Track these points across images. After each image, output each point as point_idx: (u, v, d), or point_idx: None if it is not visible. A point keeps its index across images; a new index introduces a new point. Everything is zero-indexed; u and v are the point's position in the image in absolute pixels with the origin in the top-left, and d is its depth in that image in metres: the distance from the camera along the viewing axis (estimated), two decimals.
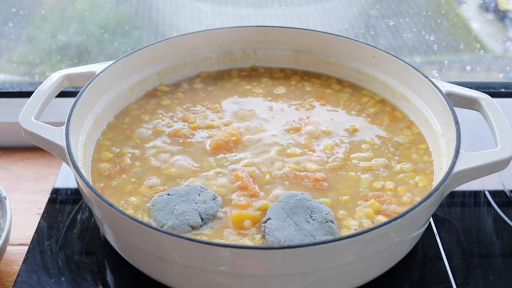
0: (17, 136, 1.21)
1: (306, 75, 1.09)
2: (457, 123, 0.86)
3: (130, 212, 0.83)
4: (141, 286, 0.84)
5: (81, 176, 0.79)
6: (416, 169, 0.90)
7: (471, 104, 0.92)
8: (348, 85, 1.06)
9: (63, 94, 0.99)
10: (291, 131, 0.97)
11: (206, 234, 0.81)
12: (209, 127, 0.97)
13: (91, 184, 0.80)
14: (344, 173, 0.89)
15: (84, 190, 0.80)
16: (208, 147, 0.94)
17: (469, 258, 0.89)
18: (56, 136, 0.85)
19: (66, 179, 1.01)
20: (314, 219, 0.80)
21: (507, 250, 0.91)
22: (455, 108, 0.89)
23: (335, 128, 0.97)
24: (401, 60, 1.00)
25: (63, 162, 0.93)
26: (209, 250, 0.72)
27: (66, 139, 0.84)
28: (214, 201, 0.83)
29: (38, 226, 0.93)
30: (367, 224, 0.82)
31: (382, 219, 0.82)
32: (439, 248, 0.89)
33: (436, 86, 0.93)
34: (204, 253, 0.72)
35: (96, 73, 0.96)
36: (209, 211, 0.82)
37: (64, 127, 0.86)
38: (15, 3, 1.48)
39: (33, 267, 0.86)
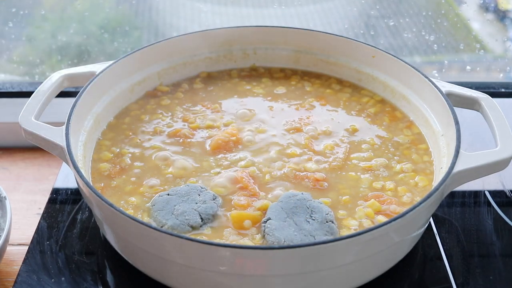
0: (17, 136, 1.21)
1: (306, 75, 1.09)
2: (457, 123, 0.86)
3: (130, 212, 0.83)
4: (141, 286, 0.84)
5: (81, 176, 0.79)
6: (416, 169, 0.90)
7: (471, 104, 0.92)
8: (348, 85, 1.06)
9: (63, 94, 0.99)
10: (291, 131, 0.97)
11: (206, 234, 0.81)
12: (209, 127, 0.97)
13: (91, 184, 0.80)
14: (344, 173, 0.89)
15: (84, 190, 0.80)
16: (208, 147, 0.94)
17: (469, 258, 0.89)
18: (56, 136, 0.85)
19: (66, 179, 1.01)
20: (314, 219, 0.80)
21: (507, 250, 0.91)
22: (455, 108, 0.89)
23: (335, 128, 0.97)
24: (401, 60, 1.00)
25: (63, 162, 0.93)
26: (209, 250, 0.72)
27: (66, 139, 0.84)
28: (214, 201, 0.83)
29: (38, 226, 0.93)
30: (367, 224, 0.82)
31: (382, 219, 0.82)
32: (439, 248, 0.89)
33: (436, 86, 0.93)
34: (204, 253, 0.72)
35: (96, 73, 0.96)
36: (209, 211, 0.82)
37: (64, 127, 0.86)
38: (15, 3, 1.48)
39: (33, 267, 0.86)
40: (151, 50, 1.03)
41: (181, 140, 0.95)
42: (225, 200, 0.85)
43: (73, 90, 1.17)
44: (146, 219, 0.82)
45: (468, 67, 1.49)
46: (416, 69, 0.97)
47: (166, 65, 1.06)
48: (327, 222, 0.80)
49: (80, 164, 0.84)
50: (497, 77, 1.52)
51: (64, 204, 0.97)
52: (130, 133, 0.96)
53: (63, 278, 0.85)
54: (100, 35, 1.52)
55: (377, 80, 1.04)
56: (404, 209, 0.81)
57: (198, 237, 0.79)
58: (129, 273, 0.85)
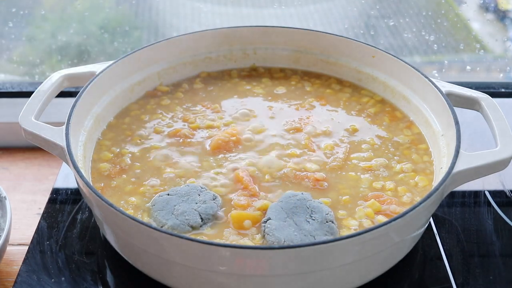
0: (17, 136, 1.21)
1: (306, 75, 1.09)
2: (457, 123, 0.86)
3: (130, 212, 0.83)
4: (141, 286, 0.84)
5: (81, 176, 0.79)
6: (416, 169, 0.90)
7: (471, 104, 0.92)
8: (348, 85, 1.06)
9: (63, 94, 0.99)
10: (291, 131, 0.97)
11: (206, 234, 0.81)
12: (209, 127, 0.97)
13: (91, 184, 0.80)
14: (344, 173, 0.89)
15: (84, 190, 0.80)
16: (208, 147, 0.94)
17: (469, 258, 0.89)
18: (56, 136, 0.85)
19: (66, 179, 1.01)
20: (314, 219, 0.80)
21: (507, 250, 0.91)
22: (455, 108, 0.89)
23: (335, 128, 0.97)
24: (401, 60, 1.00)
25: (63, 162, 0.93)
26: (209, 250, 0.72)
27: (66, 139, 0.84)
28: (214, 201, 0.83)
29: (38, 226, 0.93)
30: (367, 224, 0.82)
31: (382, 219, 0.82)
32: (439, 248, 0.89)
33: (436, 86, 0.93)
34: (204, 253, 0.72)
35: (96, 73, 0.96)
36: (209, 211, 0.82)
37: (64, 127, 0.86)
38: (15, 3, 1.48)
39: (33, 267, 0.86)
40: (151, 50, 1.03)
41: (181, 140, 0.95)
42: (225, 200, 0.85)
43: (73, 90, 1.17)
44: (146, 219, 0.82)
45: (468, 67, 1.49)
46: (416, 69, 0.97)
47: (166, 65, 1.06)
48: (327, 222, 0.80)
49: (80, 164, 0.84)
50: (497, 77, 1.52)
51: (64, 204, 0.97)
52: (130, 133, 0.96)
53: (63, 278, 0.85)
54: (100, 35, 1.52)
55: (377, 80, 1.04)
56: (404, 209, 0.81)
57: (198, 237, 0.79)
58: (129, 273, 0.85)
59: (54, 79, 0.94)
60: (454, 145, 0.83)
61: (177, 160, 0.91)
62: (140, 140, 0.95)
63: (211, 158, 0.92)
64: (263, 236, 0.79)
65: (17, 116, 0.88)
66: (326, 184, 0.87)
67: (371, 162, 0.91)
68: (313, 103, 1.03)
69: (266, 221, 0.80)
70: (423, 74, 0.96)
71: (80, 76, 0.97)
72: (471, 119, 1.04)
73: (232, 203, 0.84)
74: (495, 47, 1.54)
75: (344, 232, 0.80)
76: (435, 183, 0.87)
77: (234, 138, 0.94)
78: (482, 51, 1.53)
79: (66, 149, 0.83)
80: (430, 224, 0.93)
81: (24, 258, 0.88)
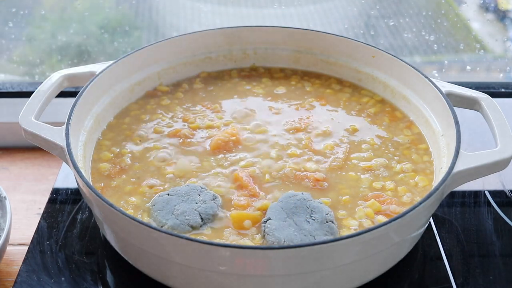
0: (17, 136, 1.21)
1: (306, 75, 1.09)
2: (457, 123, 0.86)
3: (130, 212, 0.83)
4: (141, 286, 0.84)
5: (81, 176, 0.79)
6: (416, 169, 0.90)
7: (471, 104, 0.92)
8: (348, 85, 1.06)
9: (63, 94, 0.99)
10: (291, 131, 0.97)
11: (206, 234, 0.81)
12: (209, 127, 0.97)
13: (91, 184, 0.80)
14: (344, 173, 0.89)
15: (84, 190, 0.80)
16: (208, 147, 0.94)
17: (469, 258, 0.89)
18: (56, 136, 0.85)
19: (66, 179, 1.01)
20: (314, 219, 0.80)
21: (507, 250, 0.91)
22: (455, 108, 0.89)
23: (335, 128, 0.97)
24: (401, 60, 1.00)
25: (63, 162, 0.93)
26: (209, 250, 0.72)
27: (66, 139, 0.84)
28: (214, 201, 0.83)
29: (38, 226, 0.93)
30: (367, 224, 0.82)
31: (382, 219, 0.82)
32: (439, 248, 0.89)
33: (436, 86, 0.93)
34: (204, 253, 0.72)
35: (96, 73, 0.96)
36: (209, 211, 0.82)
37: (64, 127, 0.86)
38: (15, 3, 1.48)
39: (33, 267, 0.86)
40: (151, 50, 1.03)
41: (181, 140, 0.95)
42: (225, 200, 0.85)
43: (73, 90, 1.17)
44: (146, 219, 0.82)
45: (468, 67, 1.49)
46: (416, 69, 0.97)
47: (166, 65, 1.06)
48: (327, 222, 0.80)
49: (80, 164, 0.84)
50: (497, 77, 1.52)
51: (64, 204, 0.97)
52: (130, 133, 0.96)
53: (63, 278, 0.85)
54: (100, 35, 1.52)
55: (377, 80, 1.04)
56: (404, 209, 0.81)
57: (198, 237, 0.79)
58: (129, 273, 0.85)
59: (54, 79, 0.94)
60: (454, 145, 0.83)
61: (177, 160, 0.91)
62: (140, 140, 0.95)
63: (211, 158, 0.92)
64: (263, 236, 0.79)
65: (17, 116, 0.88)
66: (326, 184, 0.87)
67: (371, 162, 0.91)
68: (313, 103, 1.03)
69: (266, 221, 0.80)
70: (423, 74, 0.96)
71: (80, 76, 0.97)
72: (471, 119, 1.04)
73: (232, 203, 0.84)
74: (495, 47, 1.54)
75: (344, 232, 0.80)
76: (435, 183, 0.87)
77: (234, 138, 0.94)
78: (482, 51, 1.53)
79: (66, 149, 0.83)
80: (430, 224, 0.93)
81: (24, 258, 0.88)
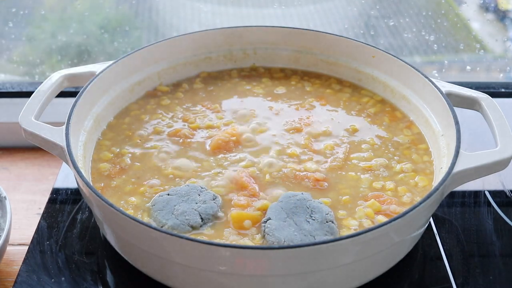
0: (17, 136, 1.21)
1: (306, 75, 1.09)
2: (457, 123, 0.86)
3: (130, 212, 0.83)
4: (141, 286, 0.84)
5: (81, 176, 0.79)
6: (416, 169, 0.90)
7: (471, 104, 0.92)
8: (348, 85, 1.06)
9: (63, 94, 0.99)
10: (291, 131, 0.97)
11: (206, 234, 0.81)
12: (209, 127, 0.97)
13: (91, 184, 0.80)
14: (344, 173, 0.89)
15: (84, 190, 0.80)
16: (208, 147, 0.94)
17: (469, 258, 0.89)
18: (56, 136, 0.85)
19: (66, 179, 1.01)
20: (314, 219, 0.80)
21: (507, 250, 0.91)
22: (455, 108, 0.89)
23: (335, 128, 0.97)
24: (401, 60, 1.00)
25: (63, 162, 0.93)
26: (209, 250, 0.72)
27: (66, 139, 0.84)
28: (214, 201, 0.83)
29: (38, 226, 0.93)
30: (367, 224, 0.82)
31: (382, 219, 0.82)
32: (439, 248, 0.89)
33: (436, 86, 0.93)
34: (204, 253, 0.72)
35: (96, 73, 0.96)
36: (209, 211, 0.82)
37: (64, 127, 0.86)
38: (15, 3, 1.48)
39: (33, 267, 0.86)
40: (151, 50, 1.03)
41: (181, 140, 0.95)
42: (225, 200, 0.85)
43: (73, 90, 1.17)
44: (146, 219, 0.82)
45: (468, 67, 1.49)
46: (416, 69, 0.97)
47: (166, 65, 1.06)
48: (327, 222, 0.80)
49: (80, 164, 0.84)
50: (497, 77, 1.52)
51: (64, 204, 0.97)
52: (130, 133, 0.96)
53: (63, 278, 0.85)
54: (100, 35, 1.52)
55: (377, 80, 1.04)
56: (404, 209, 0.81)
57: (198, 237, 0.79)
58: (129, 273, 0.85)
59: (54, 79, 0.94)
60: (454, 145, 0.83)
61: (177, 160, 0.91)
62: (140, 140, 0.95)
63: (211, 158, 0.92)
64: (263, 236, 0.79)
65: (17, 116, 0.88)
66: (326, 184, 0.87)
67: (371, 162, 0.91)
68: (313, 103, 1.03)
69: (266, 221, 0.80)
70: (423, 74, 0.96)
71: (80, 76, 0.97)
72: (471, 119, 1.04)
73: (232, 203, 0.84)
74: (495, 47, 1.54)
75: (344, 232, 0.80)
76: (435, 183, 0.87)
77: (234, 138, 0.94)
78: (482, 51, 1.53)
79: (66, 149, 0.83)
80: (430, 224, 0.93)
81: (24, 258, 0.88)
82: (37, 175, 1.20)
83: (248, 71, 1.10)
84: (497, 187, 1.01)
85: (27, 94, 1.14)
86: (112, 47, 1.50)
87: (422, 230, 0.85)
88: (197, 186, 0.85)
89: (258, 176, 0.88)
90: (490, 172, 0.82)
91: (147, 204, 0.84)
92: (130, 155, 0.93)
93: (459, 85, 0.95)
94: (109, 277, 0.87)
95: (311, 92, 1.05)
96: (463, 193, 0.99)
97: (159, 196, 0.84)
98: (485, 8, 1.57)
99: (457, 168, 0.80)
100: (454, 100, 0.92)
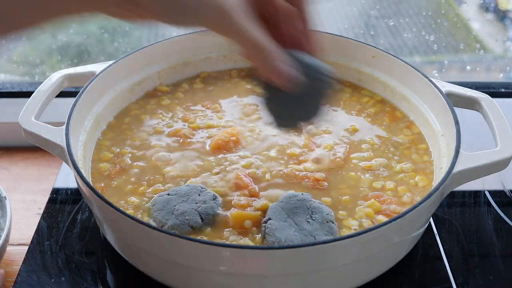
0: (17, 136, 1.21)
1: None
2: (457, 123, 0.86)
3: (130, 212, 0.83)
4: (141, 286, 0.84)
5: (81, 176, 0.79)
6: (416, 169, 0.90)
7: (471, 104, 0.92)
8: (348, 85, 1.06)
9: (63, 94, 0.99)
10: (291, 131, 0.96)
11: (206, 234, 0.80)
12: (209, 127, 0.97)
13: (91, 184, 0.80)
14: (344, 173, 0.89)
15: (84, 190, 0.80)
16: (208, 147, 0.94)
17: (469, 258, 0.89)
18: (56, 136, 0.85)
19: (66, 179, 1.01)
20: (314, 219, 0.80)
21: (507, 250, 0.91)
22: (455, 108, 0.89)
23: (335, 128, 0.97)
24: (401, 60, 1.00)
25: (63, 162, 0.93)
26: (209, 250, 0.72)
27: (66, 139, 0.84)
28: (214, 201, 0.83)
29: (38, 226, 0.93)
30: (367, 224, 0.82)
31: (382, 219, 0.82)
32: (439, 248, 0.89)
33: (436, 86, 0.93)
34: (204, 253, 0.72)
35: (96, 73, 0.96)
36: (209, 211, 0.82)
37: (64, 127, 0.86)
38: None
39: (33, 267, 0.86)
40: (151, 50, 1.03)
41: (181, 140, 0.95)
42: (225, 200, 0.85)
43: (73, 90, 1.17)
44: (146, 219, 0.82)
45: (468, 67, 1.49)
46: (416, 69, 0.97)
47: (166, 65, 1.06)
48: (327, 222, 0.80)
49: (80, 164, 0.84)
50: (497, 77, 1.52)
51: (64, 204, 0.97)
52: (130, 133, 0.96)
53: (63, 278, 0.85)
54: (100, 35, 1.52)
55: (377, 80, 1.04)
56: (404, 209, 0.81)
57: (198, 237, 0.79)
58: (129, 273, 0.85)
59: (54, 79, 0.94)
60: (454, 145, 0.83)
61: (177, 160, 0.91)
62: (140, 140, 0.95)
63: (211, 158, 0.92)
64: (264, 236, 0.79)
65: (17, 116, 0.88)
66: (326, 184, 0.87)
67: (371, 162, 0.91)
68: None
69: (267, 221, 0.80)
70: (423, 74, 0.96)
71: (80, 76, 0.97)
72: (471, 119, 1.04)
73: (232, 203, 0.84)
74: (495, 47, 1.54)
75: (344, 232, 0.80)
76: (435, 183, 0.87)
77: (234, 138, 0.94)
78: (482, 51, 1.53)
79: (66, 149, 0.83)
80: (430, 224, 0.93)
81: (24, 258, 0.88)
82: (37, 175, 1.20)
83: (248, 71, 1.10)
84: (497, 187, 1.01)
85: (27, 94, 1.14)
86: (112, 47, 1.50)
87: (422, 230, 0.85)
88: (197, 186, 0.85)
89: (258, 176, 0.88)
90: (490, 172, 0.82)
91: (147, 204, 0.84)
92: (130, 155, 0.93)
93: (459, 85, 0.95)
94: (109, 277, 0.87)
95: None
96: (463, 193, 0.99)
97: (159, 196, 0.84)
98: (485, 8, 1.57)
99: (457, 168, 0.80)
100: (454, 100, 0.92)
